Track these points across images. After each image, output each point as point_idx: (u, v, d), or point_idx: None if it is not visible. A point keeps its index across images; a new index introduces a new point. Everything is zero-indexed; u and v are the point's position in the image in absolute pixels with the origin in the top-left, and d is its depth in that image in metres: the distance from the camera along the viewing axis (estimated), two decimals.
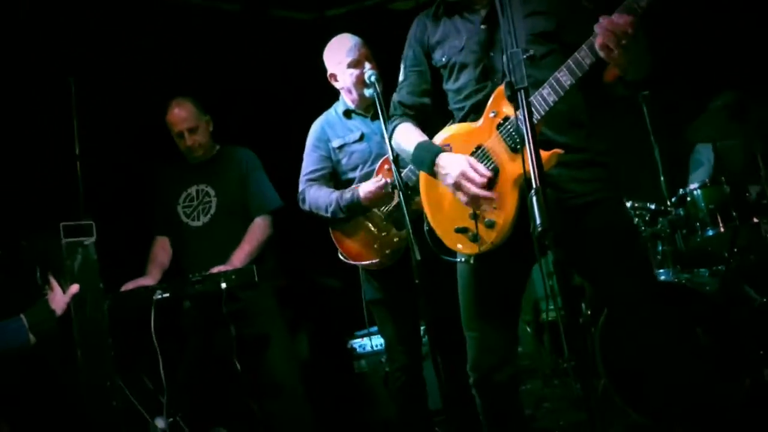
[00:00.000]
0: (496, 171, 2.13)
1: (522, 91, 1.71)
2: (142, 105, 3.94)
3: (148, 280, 3.43)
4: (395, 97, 2.50)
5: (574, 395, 4.05)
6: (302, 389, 3.58)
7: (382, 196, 2.94)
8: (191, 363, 3.46)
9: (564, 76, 2.03)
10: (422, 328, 3.21)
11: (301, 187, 3.24)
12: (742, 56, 4.35)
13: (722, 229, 3.53)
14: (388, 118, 2.55)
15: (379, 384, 3.98)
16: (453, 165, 2.14)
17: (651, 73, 2.04)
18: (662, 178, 3.99)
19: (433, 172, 2.22)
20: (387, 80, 2.85)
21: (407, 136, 2.37)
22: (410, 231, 2.45)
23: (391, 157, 2.51)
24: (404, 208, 2.48)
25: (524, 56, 1.74)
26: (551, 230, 1.59)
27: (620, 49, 1.88)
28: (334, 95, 3.31)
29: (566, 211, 2.11)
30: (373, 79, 2.89)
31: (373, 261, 3.00)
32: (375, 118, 3.13)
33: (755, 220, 3.50)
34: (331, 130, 3.22)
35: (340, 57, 3.14)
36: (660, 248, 3.83)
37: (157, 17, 4.25)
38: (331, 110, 3.29)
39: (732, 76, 4.23)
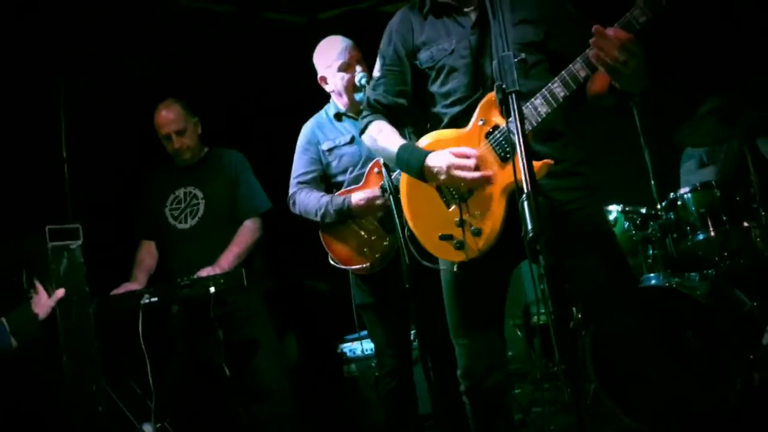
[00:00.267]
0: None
1: (513, 94, 1.70)
2: (132, 107, 3.91)
3: (134, 286, 3.39)
4: (370, 93, 2.43)
5: (565, 399, 4.04)
6: (290, 393, 3.55)
7: (373, 207, 2.92)
8: (179, 367, 3.43)
9: (558, 88, 2.02)
10: (412, 332, 3.19)
11: (291, 190, 3.21)
12: (733, 59, 4.37)
13: (713, 233, 3.53)
14: None
15: (368, 388, 3.97)
16: (440, 161, 2.12)
17: (648, 88, 2.02)
18: (653, 182, 3.99)
19: (422, 176, 2.19)
20: None
21: (387, 137, 2.33)
22: (401, 235, 2.43)
23: (382, 161, 2.49)
24: (394, 213, 2.46)
25: (515, 59, 1.73)
26: (543, 235, 1.59)
27: (617, 64, 1.86)
28: (325, 98, 3.29)
29: (552, 218, 2.10)
30: (363, 82, 2.88)
31: (363, 265, 2.98)
32: None
33: (745, 224, 3.50)
34: (321, 132, 3.19)
35: (330, 60, 3.12)
36: (651, 252, 3.85)
37: (148, 19, 4.23)
38: (322, 113, 3.27)
39: (722, 79, 4.25)
